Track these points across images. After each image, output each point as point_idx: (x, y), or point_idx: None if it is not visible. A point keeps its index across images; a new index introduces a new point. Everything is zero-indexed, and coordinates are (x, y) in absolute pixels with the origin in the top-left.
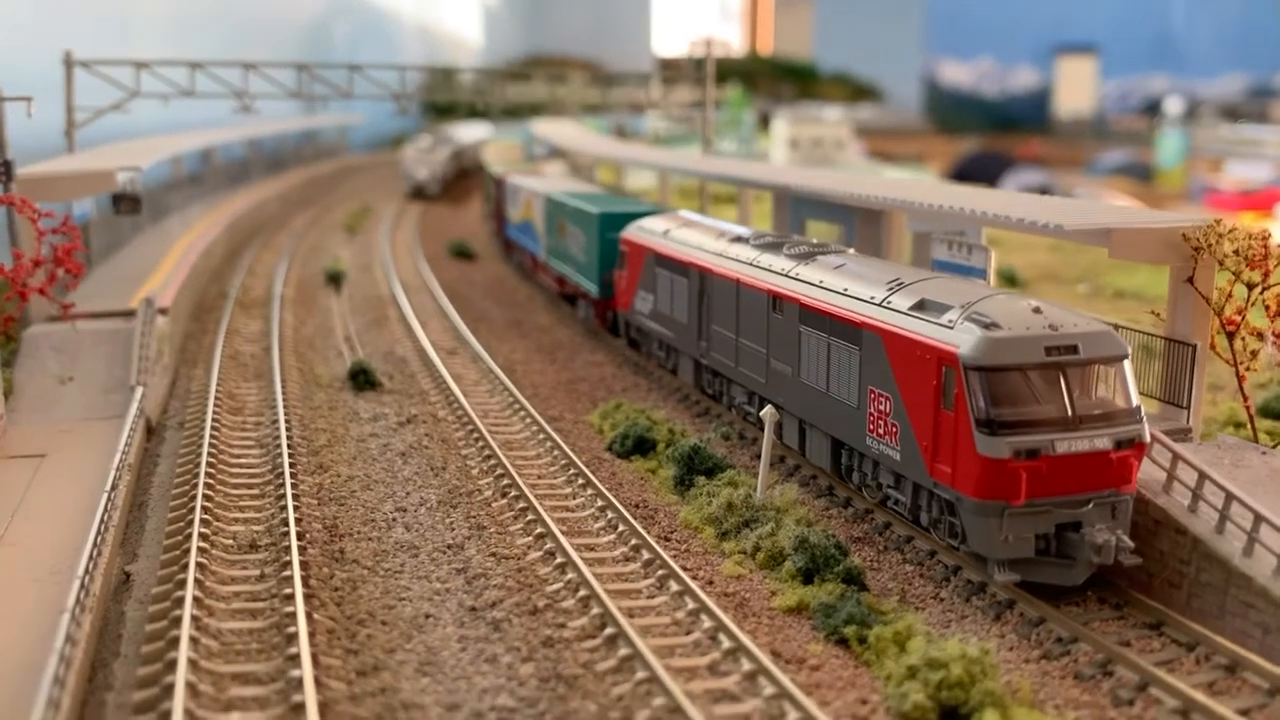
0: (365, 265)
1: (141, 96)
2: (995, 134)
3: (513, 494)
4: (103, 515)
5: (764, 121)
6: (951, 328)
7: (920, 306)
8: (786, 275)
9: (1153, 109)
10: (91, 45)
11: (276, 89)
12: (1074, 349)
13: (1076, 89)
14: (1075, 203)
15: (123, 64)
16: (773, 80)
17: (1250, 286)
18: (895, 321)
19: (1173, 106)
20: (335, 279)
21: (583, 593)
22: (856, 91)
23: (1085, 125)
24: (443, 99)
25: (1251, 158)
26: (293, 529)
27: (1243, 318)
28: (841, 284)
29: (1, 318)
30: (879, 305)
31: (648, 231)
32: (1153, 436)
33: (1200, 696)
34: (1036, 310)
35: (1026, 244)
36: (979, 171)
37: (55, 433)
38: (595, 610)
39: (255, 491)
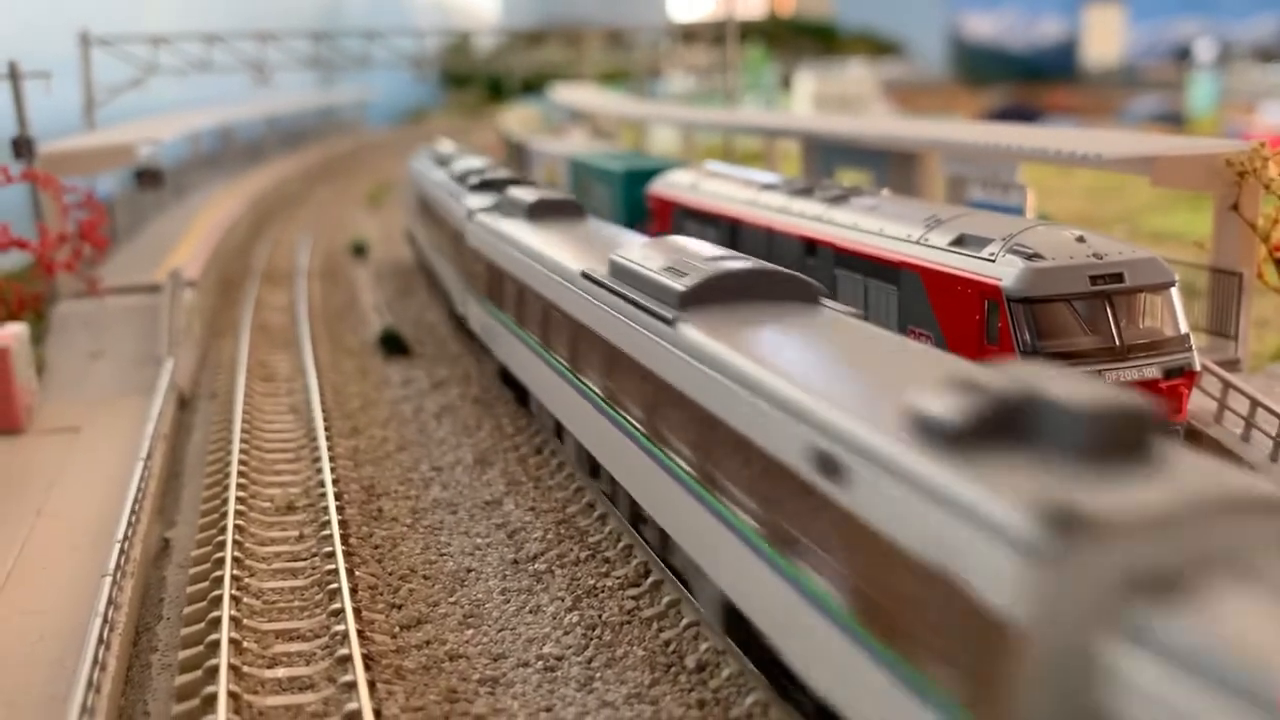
0: (389, 237)
1: (160, 74)
2: (1022, 86)
3: (548, 450)
4: (139, 482)
5: (785, 84)
6: (993, 260)
7: (960, 241)
8: (819, 219)
9: (1183, 54)
10: (103, 23)
11: (293, 60)
12: (1119, 277)
13: (1104, 37)
14: (1114, 133)
15: (140, 40)
16: (794, 40)
17: None
18: (934, 258)
19: (1204, 51)
20: (360, 250)
21: (625, 541)
22: (879, 48)
23: (1114, 74)
24: (461, 66)
25: None
26: (330, 489)
27: None
28: (877, 225)
29: (30, 295)
30: (916, 243)
31: (675, 185)
32: (1203, 366)
33: None
34: (1080, 239)
35: (1060, 190)
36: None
37: (88, 407)
38: (638, 559)
39: (290, 455)
